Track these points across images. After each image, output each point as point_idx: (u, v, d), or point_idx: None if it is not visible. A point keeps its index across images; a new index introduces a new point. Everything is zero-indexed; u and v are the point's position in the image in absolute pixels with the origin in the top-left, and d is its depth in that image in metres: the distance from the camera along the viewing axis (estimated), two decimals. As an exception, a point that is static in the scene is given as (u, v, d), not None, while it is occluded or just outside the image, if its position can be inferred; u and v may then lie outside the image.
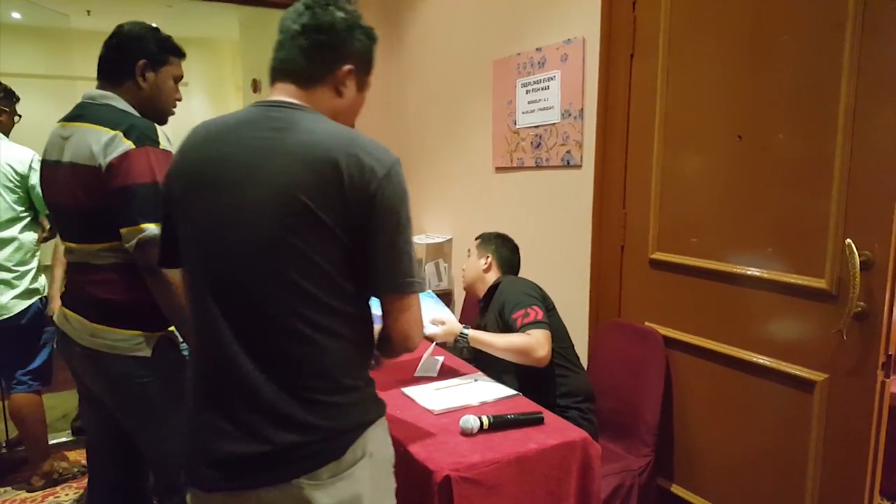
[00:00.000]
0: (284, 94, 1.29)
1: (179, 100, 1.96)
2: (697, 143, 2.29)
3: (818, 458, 1.98)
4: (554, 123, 2.89)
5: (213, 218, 1.21)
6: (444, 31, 3.83)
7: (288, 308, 1.16)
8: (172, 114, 1.97)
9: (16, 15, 7.67)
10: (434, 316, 2.27)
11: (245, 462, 1.18)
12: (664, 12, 2.35)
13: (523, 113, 3.11)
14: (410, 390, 2.03)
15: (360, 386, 1.28)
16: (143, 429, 1.83)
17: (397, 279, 1.23)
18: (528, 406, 1.92)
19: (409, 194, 1.29)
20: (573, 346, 2.38)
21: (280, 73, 1.32)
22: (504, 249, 2.56)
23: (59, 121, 1.83)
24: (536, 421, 1.81)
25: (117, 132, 1.68)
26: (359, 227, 1.18)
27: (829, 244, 1.90)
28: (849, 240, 1.80)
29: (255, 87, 7.61)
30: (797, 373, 2.01)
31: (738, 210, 2.16)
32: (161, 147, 1.71)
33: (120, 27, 1.85)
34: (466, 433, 1.72)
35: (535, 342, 2.09)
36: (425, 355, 2.26)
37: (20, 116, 3.08)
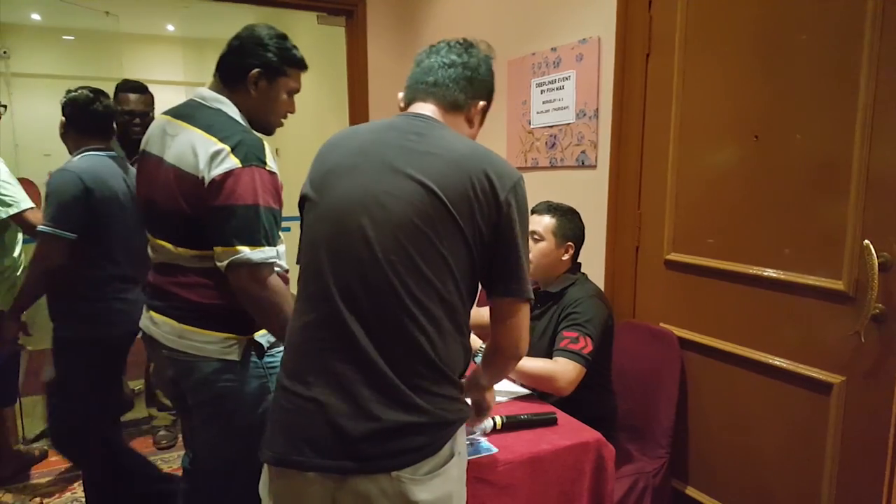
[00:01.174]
0: (427, 111, 1.42)
1: (292, 112, 1.91)
2: (714, 144, 2.27)
3: (835, 462, 1.96)
4: (569, 123, 2.88)
5: (347, 200, 1.28)
6: (459, 30, 3.81)
7: (407, 291, 1.21)
8: (281, 125, 1.91)
9: (35, 17, 7.76)
10: None
11: (351, 442, 1.19)
12: (680, 11, 2.34)
13: (538, 113, 3.10)
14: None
15: (460, 385, 1.33)
16: (209, 431, 1.81)
17: (515, 284, 1.32)
18: (540, 406, 1.91)
19: (529, 210, 1.38)
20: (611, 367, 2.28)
21: (425, 93, 1.45)
22: (581, 233, 2.27)
23: (165, 113, 1.80)
24: (550, 422, 1.80)
25: (225, 146, 1.63)
26: (484, 233, 1.27)
27: (846, 245, 1.88)
28: (867, 241, 1.78)
29: (271, 87, 7.65)
30: (814, 375, 1.99)
31: (755, 211, 2.14)
32: (268, 168, 1.67)
33: (246, 28, 1.80)
34: (480, 433, 1.72)
35: (560, 372, 1.94)
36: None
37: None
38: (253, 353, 1.77)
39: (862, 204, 1.84)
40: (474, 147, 1.33)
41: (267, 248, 1.63)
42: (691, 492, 2.46)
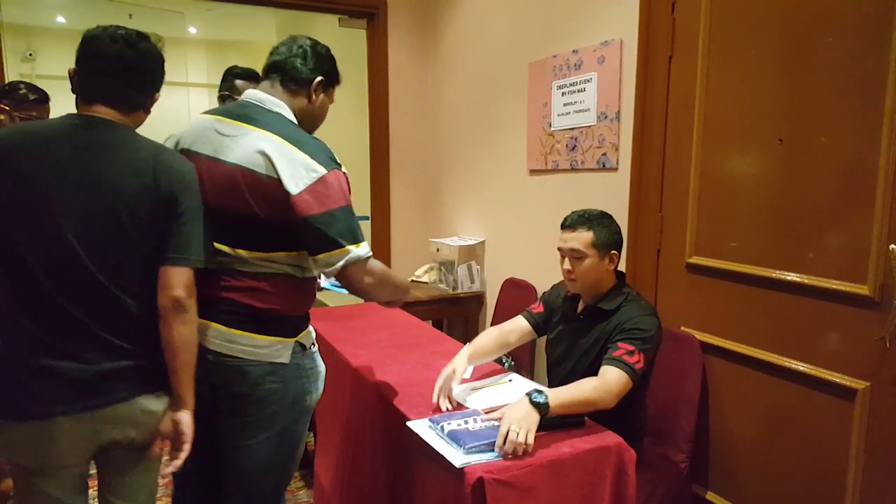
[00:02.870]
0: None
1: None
2: (737, 146, 2.26)
3: (858, 468, 1.94)
4: (590, 126, 2.88)
5: None
6: (480, 33, 3.83)
7: None
8: None
9: (61, 19, 7.87)
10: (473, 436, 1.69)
11: None
12: (704, 13, 2.33)
13: (559, 115, 3.10)
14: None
15: None
16: (252, 436, 1.78)
17: None
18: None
19: None
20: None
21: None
22: (620, 238, 2.13)
23: (210, 113, 1.79)
24: (577, 424, 1.79)
25: (304, 154, 1.66)
26: None
27: (872, 250, 1.86)
28: (893, 245, 1.76)
29: (292, 89, 7.69)
30: (838, 381, 1.97)
31: (779, 214, 2.12)
32: (343, 168, 1.75)
33: (302, 37, 1.85)
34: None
35: (612, 385, 1.83)
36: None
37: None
38: (298, 354, 1.79)
39: (888, 208, 1.81)
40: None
41: (363, 241, 1.73)
42: (711, 497, 2.44)
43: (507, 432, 1.60)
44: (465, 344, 2.39)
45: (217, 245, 1.71)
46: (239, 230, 1.70)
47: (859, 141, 1.88)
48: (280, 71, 1.80)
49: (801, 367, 2.08)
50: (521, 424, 1.63)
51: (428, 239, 4.31)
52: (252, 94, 1.79)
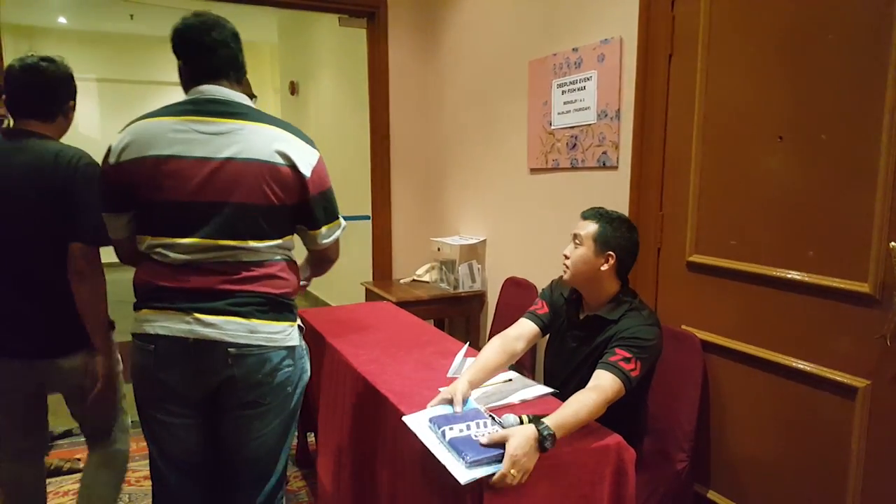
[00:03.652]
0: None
1: None
2: (737, 144, 2.25)
3: (860, 467, 1.94)
4: (590, 124, 2.87)
5: None
6: (480, 32, 3.83)
7: None
8: None
9: (62, 20, 7.88)
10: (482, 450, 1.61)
11: None
12: (704, 11, 2.32)
13: (559, 114, 3.09)
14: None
15: None
16: (268, 423, 1.83)
17: None
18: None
19: None
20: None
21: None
22: (630, 245, 2.07)
23: (177, 115, 1.73)
24: None
25: (300, 139, 1.81)
26: None
27: (872, 247, 1.85)
28: (893, 243, 1.76)
29: (293, 89, 7.71)
30: (839, 379, 1.97)
31: (779, 212, 2.12)
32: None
33: (222, 20, 1.86)
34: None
35: (602, 398, 1.77)
36: (459, 356, 2.25)
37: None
38: (301, 335, 1.91)
39: (889, 205, 1.81)
40: None
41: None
42: (713, 496, 2.43)
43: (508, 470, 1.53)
44: (465, 343, 2.39)
45: (220, 241, 1.72)
46: (253, 223, 1.75)
47: (860, 138, 1.87)
48: (235, 69, 1.85)
49: (801, 365, 2.08)
50: (523, 465, 1.55)
51: (429, 238, 4.31)
52: (216, 91, 1.79)
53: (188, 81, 1.82)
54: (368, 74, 4.42)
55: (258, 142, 1.73)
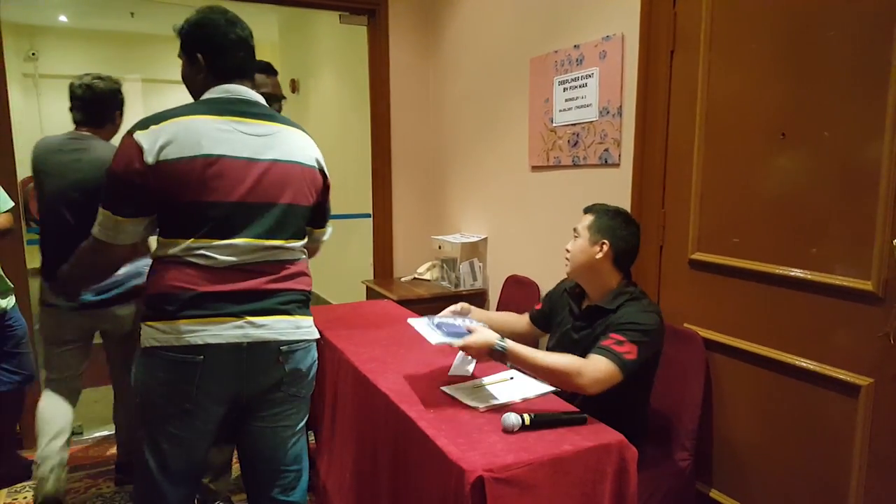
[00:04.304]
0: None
1: None
2: (740, 141, 2.24)
3: (862, 465, 1.93)
4: (592, 121, 2.86)
5: None
6: (481, 29, 3.82)
7: None
8: None
9: (63, 18, 7.88)
10: (455, 327, 2.02)
11: None
12: (706, 7, 2.31)
13: (560, 111, 3.08)
14: (450, 389, 2.02)
15: None
16: (302, 417, 1.95)
17: None
18: (564, 404, 1.90)
19: None
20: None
21: None
22: (625, 234, 2.11)
23: (222, 114, 1.71)
24: (579, 421, 1.78)
25: (313, 142, 1.91)
26: None
27: (875, 245, 1.84)
28: (897, 240, 1.75)
29: (294, 87, 7.70)
30: (841, 377, 1.96)
31: (782, 210, 2.11)
32: None
33: (239, 18, 1.84)
34: (507, 430, 1.70)
35: (588, 368, 1.83)
36: (460, 355, 2.25)
37: None
38: None
39: (892, 203, 1.80)
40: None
41: None
42: (715, 495, 2.43)
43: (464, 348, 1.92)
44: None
45: (267, 241, 1.74)
46: (294, 223, 1.81)
47: (862, 135, 1.86)
48: (253, 70, 1.88)
49: (804, 363, 2.07)
50: (472, 352, 1.93)
51: (430, 236, 4.31)
52: (246, 92, 1.80)
53: (209, 78, 1.78)
54: (369, 72, 4.41)
55: (295, 145, 1.82)
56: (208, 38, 1.77)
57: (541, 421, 1.74)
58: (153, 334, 1.66)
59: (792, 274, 2.08)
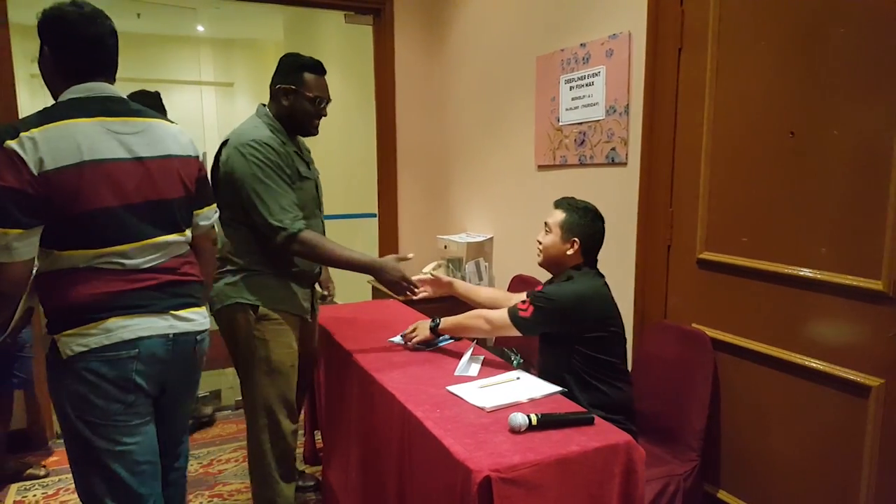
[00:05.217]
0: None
1: None
2: (748, 140, 2.23)
3: (873, 466, 1.91)
4: (598, 120, 2.85)
5: None
6: (487, 27, 3.81)
7: None
8: None
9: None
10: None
11: None
12: (713, 4, 2.30)
13: (567, 110, 3.07)
14: (456, 388, 2.01)
15: None
16: (195, 395, 2.15)
17: None
18: (571, 405, 1.89)
19: None
20: (624, 360, 2.25)
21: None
22: (593, 232, 2.25)
23: (100, 116, 1.66)
24: (586, 421, 1.77)
25: (177, 125, 1.88)
26: None
27: (885, 244, 1.83)
28: (908, 239, 1.73)
29: (299, 86, 7.70)
30: (851, 377, 1.94)
31: (791, 209, 2.09)
32: None
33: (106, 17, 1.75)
34: (514, 430, 1.69)
35: (491, 315, 2.24)
36: (466, 355, 2.24)
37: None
38: None
39: (903, 201, 1.78)
40: None
41: None
42: (723, 495, 2.41)
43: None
44: (472, 342, 2.39)
45: (165, 237, 1.80)
46: (182, 215, 1.86)
47: (872, 133, 1.85)
48: (115, 66, 1.79)
49: (813, 363, 2.05)
50: (418, 331, 2.41)
51: (436, 236, 4.30)
52: (109, 89, 1.73)
53: (68, 75, 1.69)
54: (375, 71, 4.41)
55: (169, 137, 1.81)
56: (62, 34, 1.68)
57: (547, 421, 1.73)
58: (75, 341, 1.61)
59: (801, 273, 2.07)
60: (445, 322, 2.37)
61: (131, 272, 1.69)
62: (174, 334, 1.76)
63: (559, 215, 2.27)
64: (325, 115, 2.45)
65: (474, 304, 2.62)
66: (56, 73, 1.71)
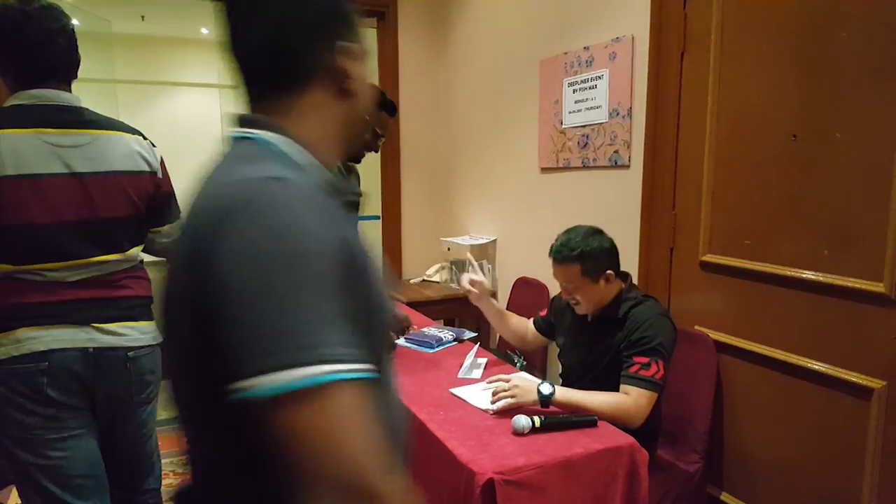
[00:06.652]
0: None
1: None
2: (751, 143, 2.23)
3: (875, 469, 1.91)
4: (601, 123, 2.86)
5: None
6: (491, 31, 3.81)
7: None
8: None
9: (74, 21, 7.92)
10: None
11: None
12: (716, 8, 2.30)
13: (570, 112, 3.07)
14: (459, 391, 2.02)
15: None
16: (151, 418, 1.92)
17: None
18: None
19: None
20: None
21: None
22: (608, 248, 2.11)
23: (38, 128, 1.58)
24: (590, 423, 1.78)
25: (146, 139, 1.79)
26: None
27: (888, 246, 1.83)
28: (911, 242, 1.74)
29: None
30: (854, 380, 1.94)
31: (794, 212, 2.10)
32: None
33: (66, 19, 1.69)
34: (518, 433, 1.70)
35: (633, 407, 1.88)
36: (469, 357, 2.25)
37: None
38: None
39: (905, 204, 1.79)
40: None
41: None
42: (726, 498, 2.41)
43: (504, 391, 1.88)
44: (476, 344, 2.39)
45: (96, 258, 1.69)
46: (122, 234, 1.76)
47: (875, 136, 1.85)
48: (71, 66, 1.71)
49: (816, 366, 2.05)
50: (518, 396, 1.86)
51: (439, 238, 4.30)
52: (58, 97, 1.64)
53: (15, 81, 1.61)
54: (378, 74, 4.41)
55: (117, 152, 1.68)
56: (2, 35, 1.58)
57: (551, 423, 1.73)
58: None
59: (804, 276, 2.07)
60: (564, 397, 1.90)
61: (53, 283, 1.61)
62: (94, 348, 1.65)
63: (573, 269, 2.06)
64: None
65: (499, 327, 2.47)
66: (2, 77, 1.62)
